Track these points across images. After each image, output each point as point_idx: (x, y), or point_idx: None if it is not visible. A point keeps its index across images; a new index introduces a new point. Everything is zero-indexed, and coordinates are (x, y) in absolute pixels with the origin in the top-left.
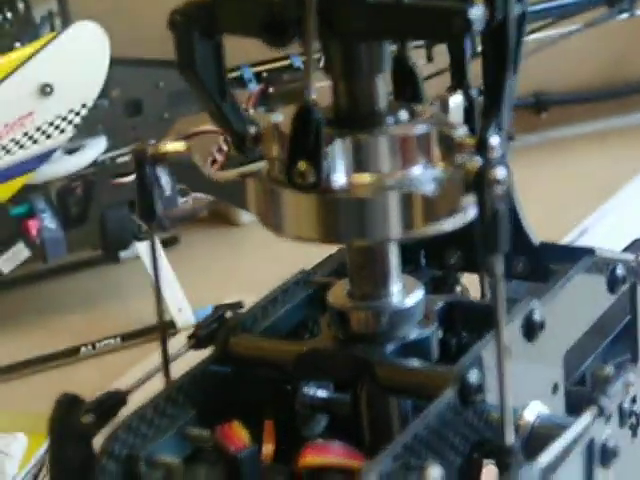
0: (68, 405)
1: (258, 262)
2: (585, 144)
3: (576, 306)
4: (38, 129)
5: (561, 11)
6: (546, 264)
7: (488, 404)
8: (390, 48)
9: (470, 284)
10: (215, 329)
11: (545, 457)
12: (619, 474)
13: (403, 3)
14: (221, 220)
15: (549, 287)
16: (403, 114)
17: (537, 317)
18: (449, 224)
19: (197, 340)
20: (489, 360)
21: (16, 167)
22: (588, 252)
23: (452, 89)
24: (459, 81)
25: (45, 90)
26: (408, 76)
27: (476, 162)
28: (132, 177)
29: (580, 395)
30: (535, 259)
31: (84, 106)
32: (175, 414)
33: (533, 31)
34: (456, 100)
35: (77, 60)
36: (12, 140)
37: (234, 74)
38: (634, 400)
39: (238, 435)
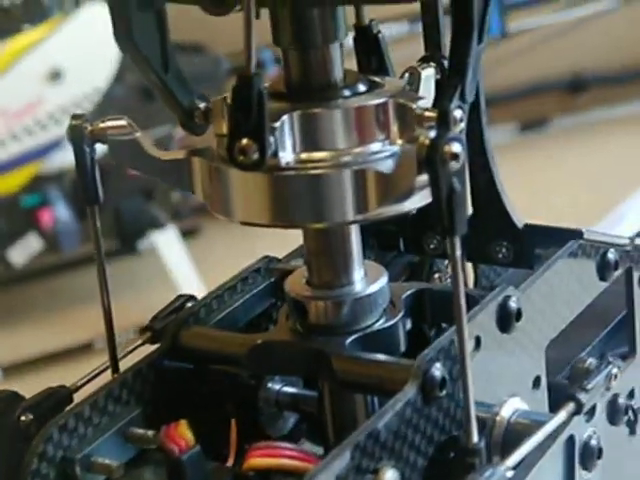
0: (5, 403)
1: (283, 251)
2: (622, 126)
3: (560, 294)
4: (48, 115)
5: None
6: (532, 248)
7: (457, 400)
8: (345, 15)
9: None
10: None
11: (515, 457)
12: (615, 475)
13: None
14: None
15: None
16: (360, 86)
17: (513, 305)
18: (409, 204)
19: (153, 333)
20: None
21: (24, 156)
22: (576, 235)
23: (425, 60)
24: (432, 51)
25: (55, 75)
26: (372, 47)
27: (430, 135)
28: None
29: (561, 389)
30: (519, 243)
31: (96, 91)
32: (117, 412)
33: (568, 8)
34: (428, 72)
35: (89, 44)
36: (21, 127)
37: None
38: (631, 395)
39: (183, 436)
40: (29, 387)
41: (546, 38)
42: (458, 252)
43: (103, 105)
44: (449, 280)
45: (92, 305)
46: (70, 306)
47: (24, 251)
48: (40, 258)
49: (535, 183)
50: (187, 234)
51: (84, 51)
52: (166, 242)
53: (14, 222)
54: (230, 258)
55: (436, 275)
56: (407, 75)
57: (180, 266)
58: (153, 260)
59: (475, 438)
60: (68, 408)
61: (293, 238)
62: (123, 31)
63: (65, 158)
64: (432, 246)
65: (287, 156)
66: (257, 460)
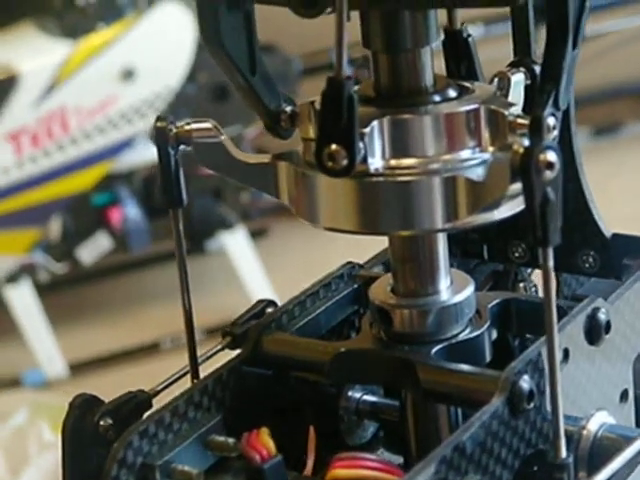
0: (84, 407)
1: (352, 254)
2: None
3: None
4: (120, 114)
5: None
6: (619, 258)
7: (544, 413)
8: (437, 18)
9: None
10: None
11: (604, 474)
12: None
13: None
14: None
15: (619, 284)
16: (451, 92)
17: (602, 317)
18: (500, 213)
19: (233, 338)
20: (545, 364)
21: (96, 155)
22: None
23: (515, 65)
24: (522, 56)
25: (128, 74)
26: (462, 51)
27: (524, 143)
28: None
29: None
30: (607, 253)
31: (169, 91)
32: (198, 419)
33: None
34: (518, 78)
35: (162, 43)
36: (93, 126)
37: (326, 57)
38: None
39: (264, 444)
40: (95, 386)
41: (620, 42)
42: (550, 263)
43: (175, 104)
44: (534, 289)
45: (160, 305)
46: (138, 306)
47: (93, 250)
48: (109, 257)
49: (609, 188)
50: (256, 235)
51: (157, 50)
52: (235, 243)
53: (84, 221)
54: (299, 259)
55: (521, 284)
56: (496, 80)
57: (248, 267)
58: (221, 260)
59: (564, 453)
60: (148, 413)
61: (366, 242)
62: (211, 32)
63: (136, 157)
64: (517, 254)
65: (376, 162)
66: (340, 471)
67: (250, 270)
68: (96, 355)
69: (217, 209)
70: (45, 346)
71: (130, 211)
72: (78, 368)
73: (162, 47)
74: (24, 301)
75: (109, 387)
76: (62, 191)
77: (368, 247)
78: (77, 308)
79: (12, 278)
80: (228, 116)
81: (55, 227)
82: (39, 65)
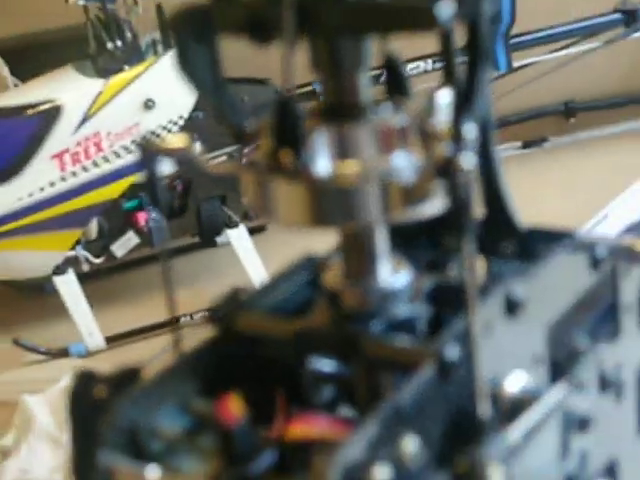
0: (85, 380)
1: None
2: (606, 144)
3: (557, 284)
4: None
5: (585, 30)
6: (535, 247)
7: (469, 377)
8: (371, 44)
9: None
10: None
11: (516, 428)
12: (603, 436)
13: (377, 2)
14: None
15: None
16: (387, 107)
17: (518, 293)
18: (428, 209)
19: (213, 321)
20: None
21: (124, 169)
22: (570, 234)
23: (443, 84)
24: (447, 76)
25: (148, 104)
26: (395, 71)
27: (445, 150)
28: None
29: (560, 366)
30: (524, 243)
31: (181, 117)
32: (179, 388)
33: (562, 48)
34: (445, 95)
35: (175, 80)
36: (122, 146)
37: (307, 89)
38: (617, 367)
39: (234, 407)
40: (126, 355)
41: (544, 71)
42: (471, 249)
43: (186, 127)
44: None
45: (178, 289)
46: (160, 290)
47: (124, 245)
48: (137, 251)
49: (536, 191)
50: (255, 231)
51: (172, 85)
52: (238, 238)
53: (116, 222)
54: (292, 251)
55: (454, 269)
56: (426, 97)
57: (249, 257)
58: (228, 252)
59: (486, 411)
60: (136, 384)
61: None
62: (183, 61)
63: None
64: (451, 243)
65: (322, 166)
66: (295, 430)
67: (251, 260)
68: (127, 330)
69: (223, 211)
70: (87, 323)
71: (153, 214)
72: (113, 340)
73: (176, 82)
74: (69, 288)
75: (137, 355)
76: (98, 199)
77: None
78: (111, 293)
79: (60, 269)
80: (229, 137)
81: (93, 228)
82: (77, 99)
